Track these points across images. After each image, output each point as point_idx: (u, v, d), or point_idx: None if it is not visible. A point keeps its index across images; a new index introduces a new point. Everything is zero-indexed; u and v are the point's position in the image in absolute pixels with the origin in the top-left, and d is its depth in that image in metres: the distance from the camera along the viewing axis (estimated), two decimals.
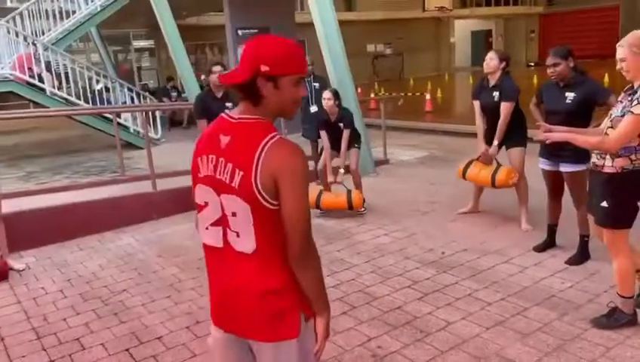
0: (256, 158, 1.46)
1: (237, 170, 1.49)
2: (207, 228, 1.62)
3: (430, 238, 4.80)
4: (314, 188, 5.61)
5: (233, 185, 1.50)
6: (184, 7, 13.85)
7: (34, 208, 5.45)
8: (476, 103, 5.00)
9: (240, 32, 10.84)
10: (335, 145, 5.74)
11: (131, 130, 10.78)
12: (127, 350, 3.22)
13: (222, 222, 1.56)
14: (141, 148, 10.26)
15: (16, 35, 10.31)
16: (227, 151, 1.52)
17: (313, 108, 7.11)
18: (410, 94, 17.28)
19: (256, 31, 10.72)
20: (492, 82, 4.81)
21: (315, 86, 7.03)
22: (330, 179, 5.66)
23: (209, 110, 5.05)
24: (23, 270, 4.60)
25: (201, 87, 10.92)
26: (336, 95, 5.69)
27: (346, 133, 5.67)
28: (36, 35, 11.07)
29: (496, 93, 4.76)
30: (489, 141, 4.90)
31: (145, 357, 3.13)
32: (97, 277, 4.43)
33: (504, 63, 4.77)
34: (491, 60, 4.76)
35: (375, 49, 27.60)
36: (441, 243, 4.66)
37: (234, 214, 1.52)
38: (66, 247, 5.20)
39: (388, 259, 4.39)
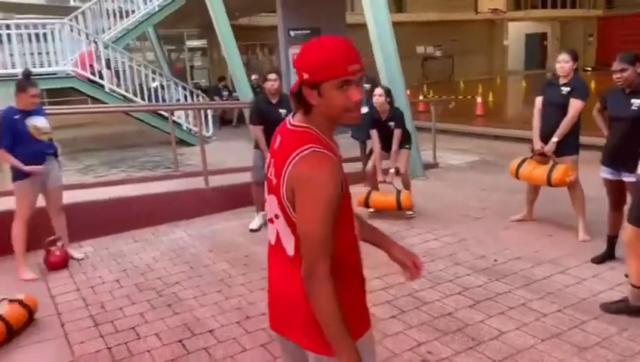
0: (284, 169, 1.45)
1: (274, 176, 1.51)
2: (267, 224, 1.67)
3: (481, 245, 4.71)
4: (362, 190, 5.67)
5: (274, 187, 1.52)
6: (237, 7, 14.09)
7: (92, 200, 5.67)
8: (539, 100, 4.78)
9: (292, 33, 10.95)
10: (385, 146, 5.72)
11: (184, 128, 11.07)
12: (180, 341, 3.31)
13: (273, 220, 1.59)
14: (192, 145, 10.52)
15: (79, 33, 10.76)
16: (275, 153, 1.54)
17: (363, 110, 7.11)
18: (460, 97, 16.98)
19: (308, 32, 10.80)
20: (562, 80, 4.61)
21: (365, 87, 7.03)
22: (380, 178, 5.63)
23: (265, 116, 5.15)
24: (82, 259, 4.80)
25: (252, 88, 11.13)
26: (388, 92, 5.68)
27: (397, 133, 5.63)
28: (97, 34, 11.51)
29: (565, 89, 4.55)
30: (545, 139, 4.67)
31: (197, 348, 3.21)
32: (151, 268, 4.57)
33: (577, 63, 4.61)
34: (566, 63, 4.54)
35: (425, 51, 27.29)
36: (493, 250, 4.56)
37: (277, 216, 1.54)
38: (121, 239, 5.39)
39: (438, 264, 4.33)
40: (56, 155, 4.61)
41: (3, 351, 3.26)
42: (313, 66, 1.42)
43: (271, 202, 1.56)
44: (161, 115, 10.65)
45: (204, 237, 5.37)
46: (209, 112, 11.55)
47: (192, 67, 21.57)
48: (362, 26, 7.35)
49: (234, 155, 9.05)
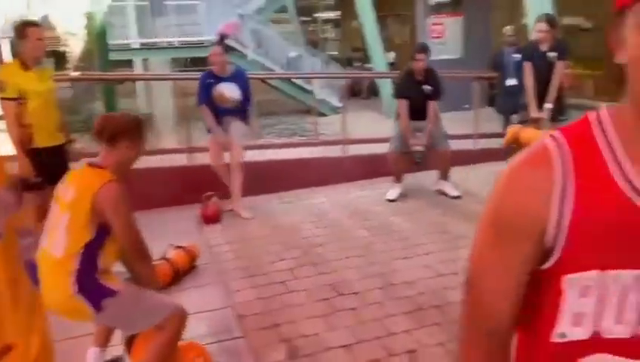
0: None
1: None
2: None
3: None
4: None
5: None
6: None
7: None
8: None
9: (433, 1, 10.63)
10: (540, 87, 5.13)
11: (317, 97, 11.33)
12: (327, 299, 3.44)
13: None
14: (324, 115, 10.77)
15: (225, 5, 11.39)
16: None
17: (510, 82, 6.75)
18: None
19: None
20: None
21: (514, 58, 6.65)
22: (534, 113, 5.23)
23: (409, 91, 5.40)
24: (250, 219, 5.04)
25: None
26: (551, 23, 5.17)
27: (560, 65, 5.11)
28: (243, 5, 12.07)
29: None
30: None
31: (344, 308, 3.31)
32: (297, 229, 4.78)
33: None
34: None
35: None
36: None
37: None
38: (267, 199, 5.67)
39: None
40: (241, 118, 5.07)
41: (169, 291, 3.62)
42: None
43: None
44: (296, 85, 11.00)
45: (343, 204, 5.49)
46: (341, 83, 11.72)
47: (324, 39, 21.92)
48: None
49: (364, 126, 9.11)
